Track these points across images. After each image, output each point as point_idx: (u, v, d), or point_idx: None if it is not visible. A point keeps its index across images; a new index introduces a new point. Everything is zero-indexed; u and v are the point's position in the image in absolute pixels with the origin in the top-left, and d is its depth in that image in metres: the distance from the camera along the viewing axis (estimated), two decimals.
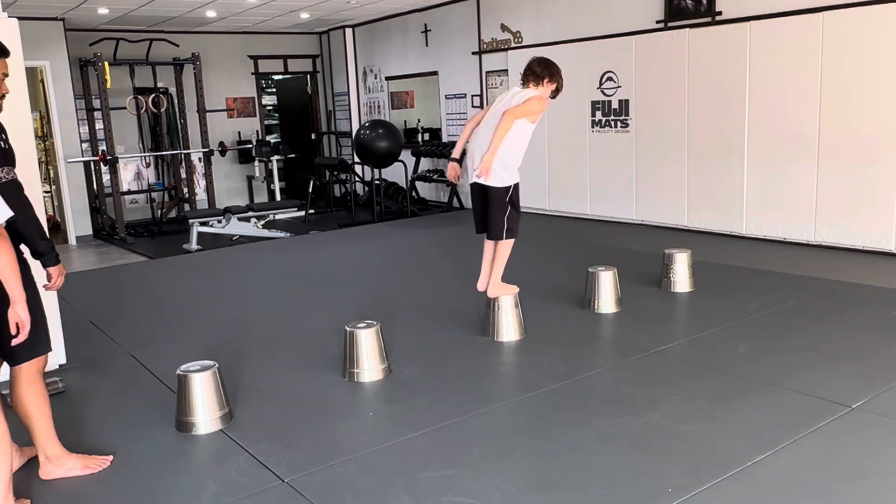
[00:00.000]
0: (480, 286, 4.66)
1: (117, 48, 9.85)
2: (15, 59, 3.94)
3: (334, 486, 2.82)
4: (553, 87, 4.61)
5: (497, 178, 4.39)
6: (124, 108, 9.97)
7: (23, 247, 2.83)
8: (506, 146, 4.32)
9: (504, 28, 9.34)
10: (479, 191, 4.52)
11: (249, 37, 11.63)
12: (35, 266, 2.86)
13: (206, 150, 10.27)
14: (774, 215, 6.82)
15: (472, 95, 9.98)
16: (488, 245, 4.66)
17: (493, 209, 4.46)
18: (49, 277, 2.90)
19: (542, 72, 4.54)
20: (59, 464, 2.97)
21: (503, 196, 4.42)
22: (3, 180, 2.68)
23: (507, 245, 4.51)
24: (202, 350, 4.36)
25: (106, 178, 9.82)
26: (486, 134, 4.39)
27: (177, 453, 3.18)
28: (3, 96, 2.82)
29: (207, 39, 11.06)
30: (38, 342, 2.80)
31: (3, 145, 2.73)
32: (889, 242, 6.12)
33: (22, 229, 2.74)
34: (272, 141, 11.89)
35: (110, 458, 3.11)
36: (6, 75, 2.80)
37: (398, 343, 4.38)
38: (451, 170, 4.67)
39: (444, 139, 10.57)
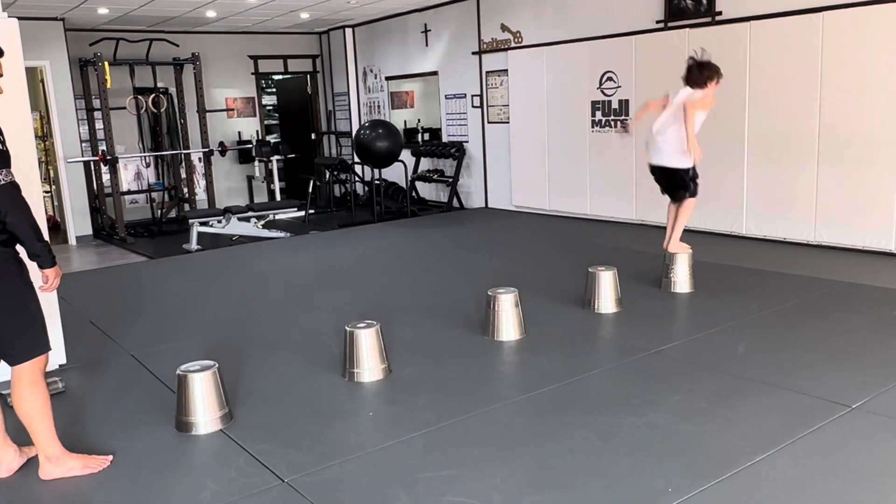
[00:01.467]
0: (666, 245, 5.51)
1: (117, 48, 9.85)
2: (15, 59, 3.95)
3: (334, 486, 2.82)
4: (716, 83, 5.23)
5: (682, 162, 5.28)
6: (124, 108, 9.97)
7: (19, 247, 2.83)
8: (683, 135, 5.20)
9: (504, 28, 9.34)
10: (662, 172, 5.45)
11: (249, 37, 11.64)
12: (33, 266, 2.86)
13: (206, 150, 10.27)
14: (774, 215, 6.82)
15: (472, 95, 9.98)
16: (671, 209, 5.58)
17: (679, 182, 5.39)
18: (45, 279, 2.88)
19: (706, 77, 5.17)
20: (58, 464, 2.97)
21: (687, 173, 5.34)
22: (1, 182, 2.69)
23: (689, 205, 5.43)
24: (202, 350, 4.36)
25: (106, 178, 9.82)
26: (670, 125, 5.29)
27: (177, 453, 3.18)
28: None
29: (207, 39, 11.07)
30: (36, 342, 2.82)
31: (4, 148, 2.74)
32: (889, 242, 6.12)
33: (18, 231, 2.74)
34: (272, 141, 11.88)
35: (110, 458, 3.11)
36: (0, 75, 2.82)
37: (398, 343, 4.38)
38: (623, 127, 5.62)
39: (444, 139, 10.58)
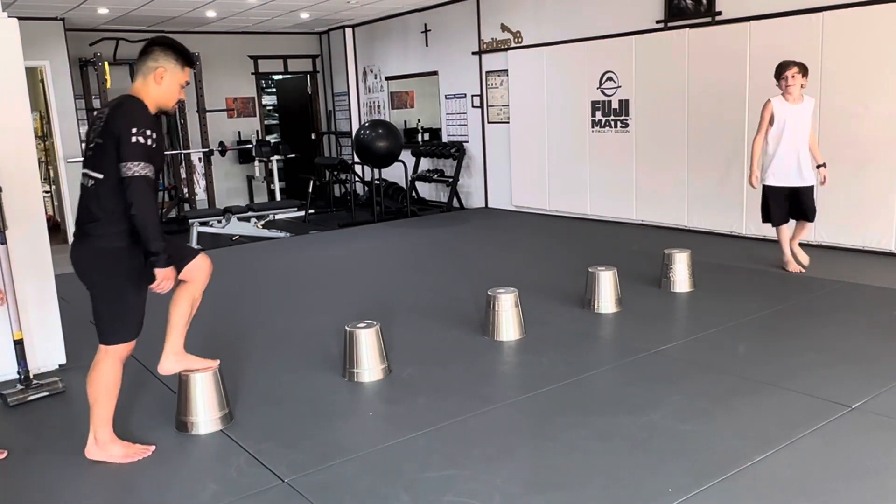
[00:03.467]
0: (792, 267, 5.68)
1: (117, 48, 9.85)
2: (15, 59, 3.96)
3: (334, 486, 2.82)
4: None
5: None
6: None
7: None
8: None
9: (504, 28, 9.34)
10: (794, 192, 5.56)
11: (249, 37, 11.63)
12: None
13: (206, 150, 10.27)
14: None
15: (472, 95, 9.98)
16: (785, 230, 5.70)
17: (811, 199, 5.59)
18: (157, 279, 2.96)
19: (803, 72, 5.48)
20: (104, 447, 3.08)
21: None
22: (137, 174, 2.81)
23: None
24: (202, 350, 4.35)
25: None
26: (804, 138, 5.55)
27: (177, 454, 3.18)
28: (181, 102, 3.12)
29: (207, 39, 11.06)
30: (122, 330, 3.03)
31: (149, 143, 2.85)
32: (889, 242, 6.12)
33: (140, 226, 2.86)
34: (272, 141, 11.89)
35: (152, 447, 3.18)
36: (188, 83, 3.09)
37: (398, 343, 4.38)
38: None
39: (444, 139, 10.58)
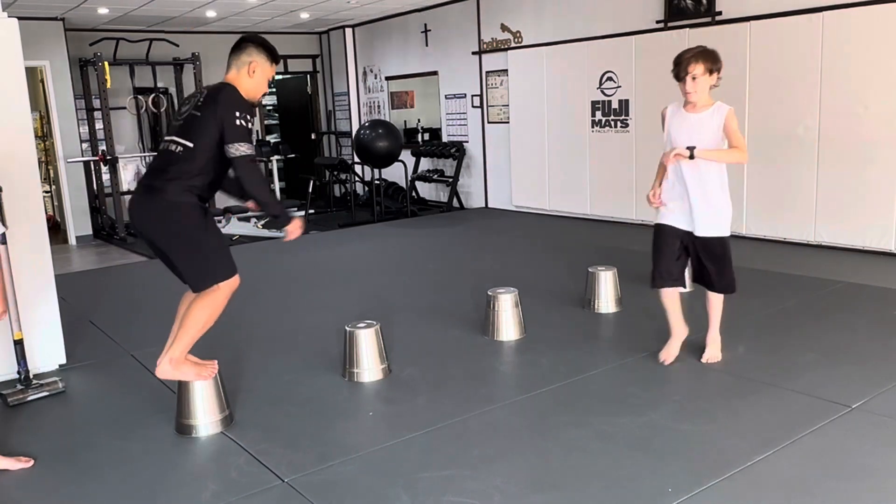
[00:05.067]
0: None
1: (117, 48, 9.84)
2: (15, 59, 3.96)
3: (334, 486, 2.82)
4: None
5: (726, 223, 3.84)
6: (124, 108, 9.97)
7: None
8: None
9: (504, 28, 9.34)
10: (691, 242, 3.88)
11: None
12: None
13: None
14: (774, 215, 6.82)
15: (472, 95, 9.98)
16: (669, 296, 4.01)
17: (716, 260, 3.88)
18: (288, 234, 3.42)
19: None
20: (176, 366, 3.31)
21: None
22: (243, 153, 3.15)
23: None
24: (202, 350, 4.35)
25: (106, 177, 9.81)
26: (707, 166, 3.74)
27: (177, 453, 3.18)
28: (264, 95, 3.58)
29: (207, 39, 11.05)
30: (209, 275, 3.26)
31: (249, 126, 3.19)
32: (889, 242, 6.12)
33: (258, 197, 3.28)
34: (272, 141, 11.88)
35: (215, 363, 3.40)
36: (274, 78, 3.50)
37: (398, 343, 4.38)
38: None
39: (444, 139, 10.58)
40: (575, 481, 2.77)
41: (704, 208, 3.71)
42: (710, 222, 3.72)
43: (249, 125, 3.17)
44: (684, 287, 3.99)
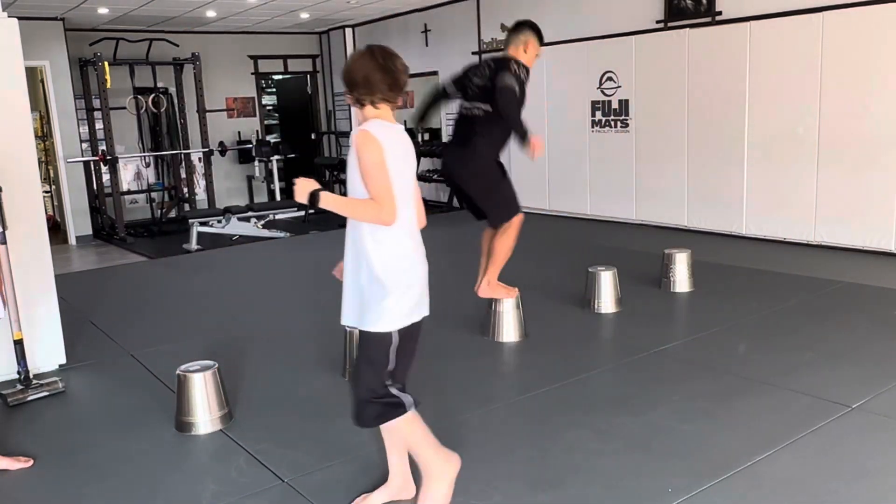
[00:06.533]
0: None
1: (117, 48, 9.85)
2: (15, 59, 3.96)
3: (334, 486, 2.82)
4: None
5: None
6: (124, 108, 9.97)
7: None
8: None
9: (504, 28, 9.32)
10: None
11: (249, 37, 11.63)
12: None
13: (206, 150, 10.27)
14: (774, 215, 6.82)
15: None
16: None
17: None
18: (532, 148, 4.24)
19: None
20: (494, 289, 4.40)
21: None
22: (479, 113, 4.28)
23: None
24: (202, 350, 4.35)
25: (106, 178, 9.82)
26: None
27: (177, 453, 3.18)
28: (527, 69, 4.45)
29: (207, 39, 11.06)
30: (503, 214, 4.33)
31: (515, 78, 4.19)
32: (889, 242, 6.12)
33: (510, 123, 4.21)
34: (272, 141, 11.88)
35: (515, 290, 4.42)
36: (539, 55, 4.47)
37: None
38: None
39: (444, 139, 10.57)
40: (575, 481, 2.77)
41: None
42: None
43: (519, 78, 4.21)
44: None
